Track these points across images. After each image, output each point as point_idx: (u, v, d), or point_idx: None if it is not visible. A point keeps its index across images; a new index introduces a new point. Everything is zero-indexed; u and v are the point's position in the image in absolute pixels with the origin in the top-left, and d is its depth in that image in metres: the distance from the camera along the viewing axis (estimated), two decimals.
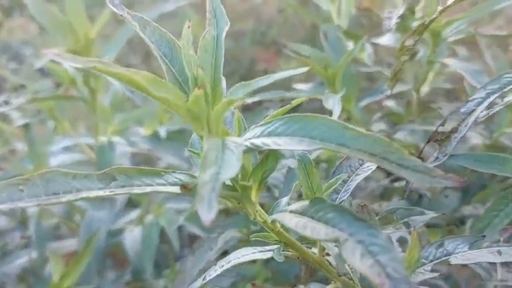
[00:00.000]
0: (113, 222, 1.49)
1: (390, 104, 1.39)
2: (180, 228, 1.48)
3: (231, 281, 1.23)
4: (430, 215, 0.78)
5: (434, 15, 0.83)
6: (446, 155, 0.75)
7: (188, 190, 0.55)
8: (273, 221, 0.63)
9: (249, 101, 1.23)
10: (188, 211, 1.40)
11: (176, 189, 0.58)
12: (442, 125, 0.77)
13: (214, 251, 1.14)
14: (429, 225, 1.19)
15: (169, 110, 0.55)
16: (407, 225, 0.79)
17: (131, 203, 1.56)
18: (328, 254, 0.71)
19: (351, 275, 0.72)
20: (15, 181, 0.55)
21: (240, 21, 2.41)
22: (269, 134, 0.58)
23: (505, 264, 0.97)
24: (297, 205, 0.61)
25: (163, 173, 0.60)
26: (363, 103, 1.25)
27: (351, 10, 1.40)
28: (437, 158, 0.76)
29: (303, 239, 0.71)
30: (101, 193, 0.55)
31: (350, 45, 1.34)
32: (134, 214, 1.51)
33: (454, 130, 0.75)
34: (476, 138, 1.22)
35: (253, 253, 0.74)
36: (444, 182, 0.51)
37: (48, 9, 1.32)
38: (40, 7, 1.32)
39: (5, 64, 1.84)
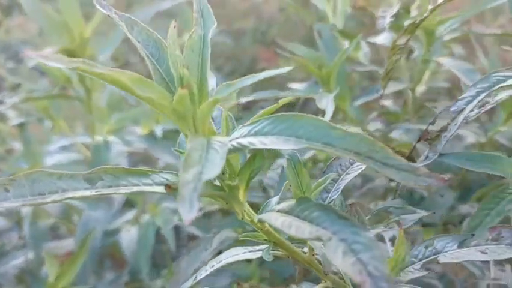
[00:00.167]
0: (110, 222, 1.49)
1: (386, 103, 1.39)
2: (179, 229, 1.49)
3: (228, 281, 1.24)
4: (421, 213, 0.78)
5: (425, 14, 0.83)
6: (436, 154, 0.75)
7: (172, 190, 0.56)
8: (260, 221, 0.63)
9: (246, 100, 1.23)
10: None
11: (162, 189, 0.58)
12: (432, 123, 0.77)
13: (209, 251, 1.14)
14: (425, 225, 1.19)
15: (155, 110, 0.55)
16: (399, 224, 0.79)
17: (129, 202, 1.56)
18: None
19: (342, 274, 0.73)
20: (1, 181, 0.55)
21: (240, 20, 2.41)
22: (256, 134, 0.58)
23: (498, 262, 0.97)
24: (284, 204, 0.61)
25: (149, 173, 0.60)
26: (359, 102, 1.25)
27: (347, 9, 1.40)
28: (427, 156, 0.76)
29: (293, 239, 0.71)
30: (87, 193, 0.55)
31: (346, 44, 1.34)
32: (131, 214, 1.51)
33: (444, 129, 0.75)
34: (471, 137, 1.22)
35: (244, 253, 0.74)
36: (429, 181, 0.51)
37: (44, 9, 1.32)
38: (35, 6, 1.32)
39: (3, 63, 1.84)
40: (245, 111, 1.64)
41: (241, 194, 0.63)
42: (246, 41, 2.39)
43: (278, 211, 0.60)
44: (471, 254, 0.68)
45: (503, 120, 1.14)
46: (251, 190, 1.21)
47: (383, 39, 1.28)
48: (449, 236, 0.72)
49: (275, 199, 0.68)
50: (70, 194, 0.55)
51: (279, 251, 0.71)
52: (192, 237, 1.48)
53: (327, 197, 0.75)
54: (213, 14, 0.62)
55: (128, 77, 0.51)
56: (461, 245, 0.70)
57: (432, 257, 0.71)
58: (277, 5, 2.43)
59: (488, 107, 0.79)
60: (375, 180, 1.28)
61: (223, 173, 0.62)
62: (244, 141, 0.58)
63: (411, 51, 1.30)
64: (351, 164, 0.77)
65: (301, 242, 0.73)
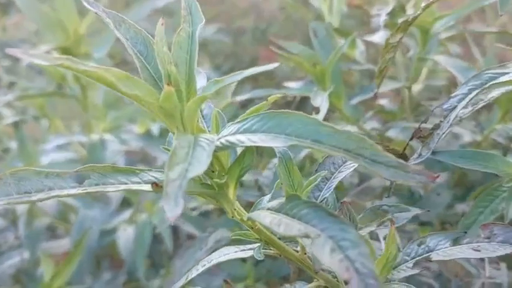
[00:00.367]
0: (107, 221, 1.48)
1: (383, 102, 1.38)
2: (177, 228, 1.48)
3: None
4: (414, 211, 0.78)
5: (418, 12, 0.83)
6: (429, 152, 0.75)
7: (159, 188, 0.55)
8: (250, 219, 0.63)
9: (241, 99, 1.23)
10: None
11: (150, 188, 0.57)
12: (425, 121, 0.76)
13: (203, 250, 1.13)
14: (422, 224, 1.19)
15: (142, 108, 0.55)
16: (392, 222, 0.78)
17: (126, 202, 1.55)
18: None
19: (336, 272, 0.72)
20: None
21: (240, 19, 2.41)
22: (245, 131, 0.58)
23: (493, 261, 0.97)
24: (274, 203, 0.61)
25: (138, 172, 0.60)
26: (355, 101, 1.25)
27: (343, 8, 1.40)
28: (420, 154, 0.76)
29: (285, 237, 0.71)
30: (73, 191, 0.55)
31: (342, 42, 1.33)
32: (128, 213, 1.51)
33: (436, 127, 0.74)
34: (468, 136, 1.22)
35: (236, 252, 0.74)
36: (418, 178, 0.50)
37: (39, 7, 1.32)
38: (31, 4, 1.32)
39: (0, 62, 1.83)
40: (244, 110, 1.63)
41: (230, 192, 0.63)
42: (245, 40, 2.38)
43: (268, 209, 0.60)
44: (464, 251, 0.68)
45: (498, 118, 1.13)
46: (246, 189, 1.21)
47: (379, 37, 1.27)
48: (441, 233, 0.72)
49: (267, 197, 0.68)
50: (56, 193, 0.55)
51: (271, 249, 0.70)
52: (190, 237, 1.48)
53: (320, 195, 0.74)
54: (201, 11, 0.62)
55: (113, 74, 0.51)
56: (454, 242, 0.70)
57: (425, 255, 0.70)
58: (277, 3, 2.42)
59: (481, 104, 0.78)
60: (371, 179, 1.27)
61: (212, 171, 0.61)
62: (233, 138, 0.57)
63: (407, 50, 1.30)
64: (344, 162, 0.76)
65: (294, 241, 0.72)
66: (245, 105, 1.53)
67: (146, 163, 1.59)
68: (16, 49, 0.45)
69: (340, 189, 1.26)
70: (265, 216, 0.57)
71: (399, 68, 1.30)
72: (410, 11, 1.21)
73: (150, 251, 1.42)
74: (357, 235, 0.49)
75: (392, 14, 1.17)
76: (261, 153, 1.34)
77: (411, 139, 0.78)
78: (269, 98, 0.62)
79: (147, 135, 1.49)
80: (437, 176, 0.51)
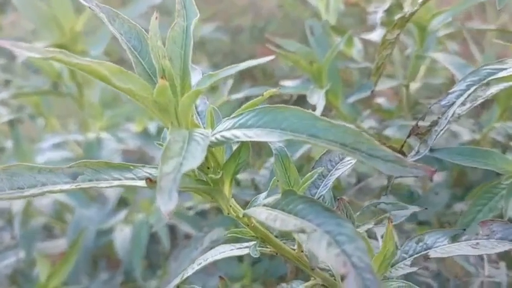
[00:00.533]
0: (103, 221, 1.47)
1: (380, 100, 1.37)
2: (174, 228, 1.47)
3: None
4: (412, 209, 0.77)
5: (415, 8, 0.82)
6: (427, 149, 0.74)
7: (153, 184, 0.54)
8: (245, 215, 0.62)
9: (236, 97, 1.22)
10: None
11: (144, 183, 0.56)
12: (422, 118, 0.75)
13: (199, 250, 1.12)
14: (421, 223, 1.18)
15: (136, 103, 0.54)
16: (390, 219, 0.77)
17: (123, 201, 1.55)
18: None
19: (333, 270, 0.71)
20: None
21: (238, 17, 2.40)
22: (240, 126, 0.57)
23: (492, 260, 0.96)
24: (270, 199, 0.60)
25: (132, 167, 0.59)
26: (352, 99, 1.24)
27: (340, 6, 1.39)
28: (418, 151, 0.75)
29: (281, 235, 0.70)
30: (66, 187, 0.54)
31: (339, 40, 1.32)
32: (124, 213, 1.50)
33: (434, 123, 0.74)
34: (467, 135, 1.21)
35: (231, 250, 0.73)
36: (415, 172, 0.50)
37: (35, 4, 1.31)
38: (26, 1, 1.31)
39: None
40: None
41: (226, 189, 0.62)
42: (243, 38, 2.37)
43: (264, 205, 0.59)
44: (462, 248, 0.67)
45: (497, 116, 1.13)
46: (243, 188, 1.21)
47: (376, 35, 1.26)
48: (440, 231, 0.71)
49: (263, 195, 0.67)
50: (49, 188, 0.54)
51: (267, 247, 0.69)
52: (188, 237, 1.47)
53: (316, 192, 0.73)
54: (195, 5, 0.61)
55: (107, 68, 0.51)
56: (452, 240, 0.69)
57: (423, 252, 0.70)
58: (275, 1, 2.41)
59: (480, 101, 0.77)
60: (369, 179, 1.27)
61: (207, 167, 0.61)
62: (228, 133, 0.57)
63: (405, 48, 1.29)
64: (341, 159, 0.75)
65: (290, 239, 0.72)
66: (244, 103, 1.52)
67: (143, 163, 1.57)
68: (6, 41, 0.44)
69: (338, 188, 1.25)
70: (261, 212, 0.57)
71: (396, 66, 1.30)
72: (406, 9, 1.21)
73: (147, 251, 1.41)
74: (354, 230, 0.48)
75: (389, 12, 1.16)
76: (259, 153, 1.34)
77: (408, 136, 0.77)
78: (265, 93, 0.61)
79: (144, 133, 1.48)
80: (435, 171, 0.50)
